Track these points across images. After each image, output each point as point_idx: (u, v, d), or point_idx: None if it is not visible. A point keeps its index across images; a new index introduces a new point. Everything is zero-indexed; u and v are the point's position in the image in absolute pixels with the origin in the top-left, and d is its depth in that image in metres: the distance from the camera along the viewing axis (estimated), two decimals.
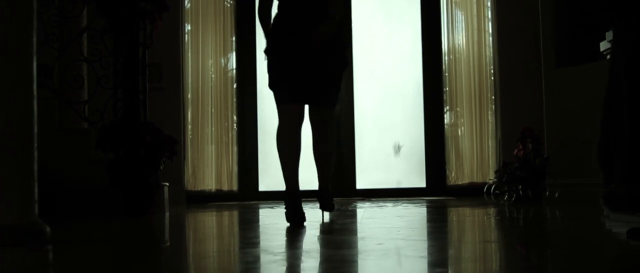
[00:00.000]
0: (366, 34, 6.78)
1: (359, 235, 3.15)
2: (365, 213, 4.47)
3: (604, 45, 4.71)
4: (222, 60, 6.69)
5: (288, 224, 3.62)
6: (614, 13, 2.74)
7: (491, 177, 5.97)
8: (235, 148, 6.63)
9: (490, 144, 6.50)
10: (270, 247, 2.79)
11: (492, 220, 3.98)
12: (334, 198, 4.22)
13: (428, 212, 4.72)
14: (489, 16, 6.55)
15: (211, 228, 4.07)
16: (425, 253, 2.49)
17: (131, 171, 4.57)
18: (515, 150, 5.61)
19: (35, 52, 2.86)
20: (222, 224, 4.38)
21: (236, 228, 3.98)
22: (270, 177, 6.53)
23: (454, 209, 4.84)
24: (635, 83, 2.57)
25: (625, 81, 2.59)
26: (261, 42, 6.56)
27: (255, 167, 6.69)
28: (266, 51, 3.87)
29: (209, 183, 6.56)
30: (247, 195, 6.57)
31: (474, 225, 3.71)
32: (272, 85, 3.84)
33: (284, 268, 2.17)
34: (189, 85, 6.57)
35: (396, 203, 5.46)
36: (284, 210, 3.71)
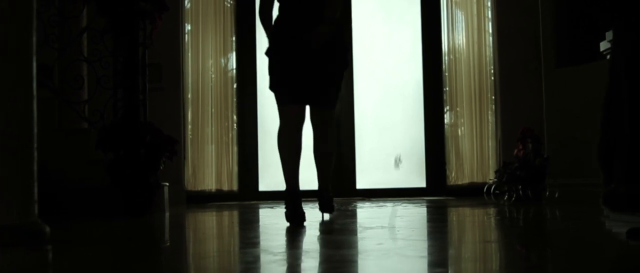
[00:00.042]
0: (366, 34, 6.78)
1: (359, 235, 3.15)
2: (365, 213, 4.47)
3: (604, 45, 4.71)
4: (222, 60, 6.69)
5: (288, 224, 3.63)
6: (614, 13, 2.74)
7: (491, 177, 5.97)
8: (235, 148, 6.63)
9: (490, 144, 6.50)
10: (270, 247, 2.79)
11: (492, 220, 3.98)
12: (334, 199, 4.22)
13: (428, 212, 4.72)
14: (489, 16, 6.55)
15: (211, 228, 4.07)
16: (425, 253, 2.49)
17: (131, 171, 4.57)
18: (515, 150, 5.61)
19: (35, 52, 2.86)
20: (222, 224, 4.38)
21: (236, 228, 3.98)
22: (270, 177, 6.53)
23: (454, 209, 4.84)
24: (635, 83, 2.57)
25: (625, 81, 2.59)
26: (261, 42, 6.57)
27: (255, 167, 6.69)
28: (267, 53, 3.88)
29: (209, 183, 6.56)
30: (247, 195, 6.57)
31: (474, 225, 3.71)
32: (273, 87, 3.85)
33: (284, 268, 2.17)
34: (189, 85, 6.57)
35: (396, 203, 5.46)
36: (284, 210, 3.72)
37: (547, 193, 5.41)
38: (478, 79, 6.55)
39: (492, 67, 6.55)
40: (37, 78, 2.85)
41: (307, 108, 3.95)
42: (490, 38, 6.55)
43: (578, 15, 5.61)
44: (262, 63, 6.41)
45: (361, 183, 6.66)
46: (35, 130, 2.82)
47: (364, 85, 6.74)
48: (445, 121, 6.62)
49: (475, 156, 6.51)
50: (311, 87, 3.80)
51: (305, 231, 3.36)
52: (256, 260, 2.35)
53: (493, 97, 6.54)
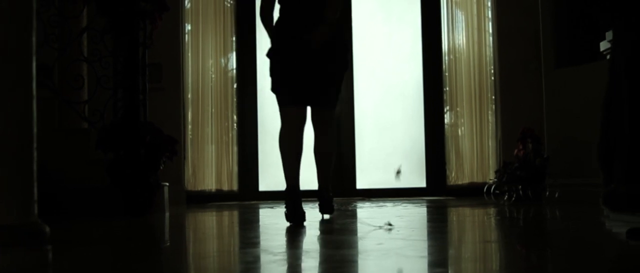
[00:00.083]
0: (366, 34, 6.78)
1: (359, 235, 3.15)
2: (366, 213, 4.47)
3: (604, 45, 4.71)
4: (222, 60, 6.69)
5: (288, 224, 3.63)
6: (614, 13, 2.74)
7: (491, 177, 5.97)
8: (235, 148, 6.63)
9: (491, 144, 6.50)
10: (270, 247, 2.79)
11: (492, 220, 3.98)
12: (334, 199, 4.23)
13: (428, 212, 4.72)
14: (489, 16, 6.55)
15: (211, 228, 4.07)
16: (425, 253, 2.49)
17: (131, 171, 4.57)
18: (516, 150, 5.61)
19: (35, 52, 2.86)
20: (222, 224, 4.38)
21: (236, 228, 3.98)
22: (270, 177, 6.53)
23: (454, 209, 4.84)
24: (635, 83, 2.57)
25: (625, 81, 2.59)
26: (261, 41, 6.57)
27: (256, 167, 6.69)
28: (268, 54, 3.90)
29: (209, 183, 6.56)
30: (247, 195, 6.57)
31: (474, 225, 3.71)
32: (274, 88, 3.88)
33: (284, 268, 2.17)
34: (189, 85, 6.57)
35: (396, 203, 5.46)
36: (284, 210, 3.73)
37: (547, 193, 5.41)
38: (478, 79, 6.55)
39: (492, 67, 6.55)
40: (37, 78, 2.85)
41: (309, 109, 3.97)
42: (491, 38, 6.55)
43: (578, 15, 5.61)
44: (262, 63, 6.42)
45: (361, 183, 6.66)
46: (35, 130, 2.82)
47: (364, 85, 6.74)
48: (445, 121, 6.62)
49: (475, 156, 6.51)
50: (311, 88, 3.81)
51: (305, 231, 3.36)
52: (256, 260, 2.35)
53: (493, 97, 6.54)
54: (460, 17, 6.60)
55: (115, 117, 4.79)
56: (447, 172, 6.55)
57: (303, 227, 3.54)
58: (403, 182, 6.65)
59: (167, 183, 5.08)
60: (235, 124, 6.67)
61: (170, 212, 5.02)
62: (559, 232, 3.38)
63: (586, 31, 5.49)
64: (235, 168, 6.61)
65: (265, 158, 6.64)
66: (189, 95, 6.57)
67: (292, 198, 3.70)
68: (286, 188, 3.77)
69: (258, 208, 5.44)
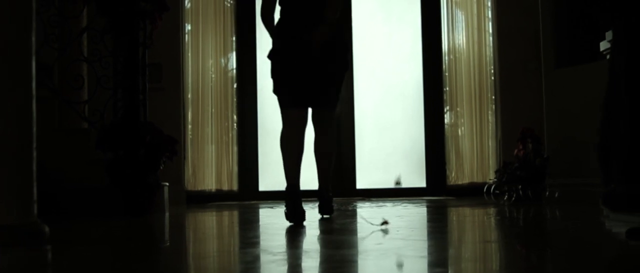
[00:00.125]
0: (366, 34, 6.78)
1: (359, 235, 3.15)
2: (365, 213, 4.47)
3: (604, 45, 4.71)
4: (222, 60, 6.69)
5: (288, 223, 3.63)
6: (614, 13, 2.74)
7: (491, 177, 5.97)
8: (235, 148, 6.63)
9: (490, 144, 6.50)
10: (270, 246, 2.79)
11: (492, 220, 3.98)
12: (334, 199, 4.24)
13: (428, 212, 4.72)
14: (489, 16, 6.55)
15: (211, 228, 4.07)
16: (425, 253, 2.49)
17: (131, 171, 4.57)
18: (515, 150, 5.61)
19: (35, 52, 2.86)
20: (222, 224, 4.38)
21: (236, 228, 3.98)
22: (270, 177, 6.53)
23: (454, 209, 4.84)
24: (634, 83, 2.57)
25: (624, 81, 2.59)
26: (261, 41, 6.57)
27: (255, 167, 6.69)
28: (269, 56, 3.91)
29: (209, 183, 6.56)
30: (247, 195, 6.57)
31: (474, 225, 3.71)
32: (276, 90, 3.89)
33: (284, 268, 2.17)
34: (189, 85, 6.57)
35: (396, 203, 5.46)
36: (284, 209, 3.73)
37: (547, 193, 5.41)
38: (478, 79, 6.55)
39: (492, 67, 6.55)
40: (37, 78, 2.85)
41: (309, 110, 3.98)
42: (490, 38, 6.55)
43: (578, 15, 5.61)
44: (262, 63, 6.42)
45: (361, 183, 6.66)
46: (35, 129, 2.82)
47: (364, 85, 6.74)
48: (445, 121, 6.62)
49: (475, 156, 6.51)
50: (311, 89, 3.83)
51: (305, 231, 3.36)
52: (256, 260, 2.35)
53: (493, 97, 6.54)
54: (460, 17, 6.60)
55: (115, 117, 4.79)
56: (447, 172, 6.55)
57: (303, 226, 3.54)
58: (403, 182, 6.64)
59: (167, 183, 5.08)
60: (235, 124, 6.67)
61: (170, 212, 5.02)
62: (558, 232, 3.38)
63: (586, 31, 5.49)
64: (235, 168, 6.61)
65: (265, 158, 6.64)
66: (189, 95, 6.57)
67: (292, 198, 3.71)
68: (286, 188, 3.78)
69: (258, 208, 5.44)
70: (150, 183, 4.67)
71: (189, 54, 6.59)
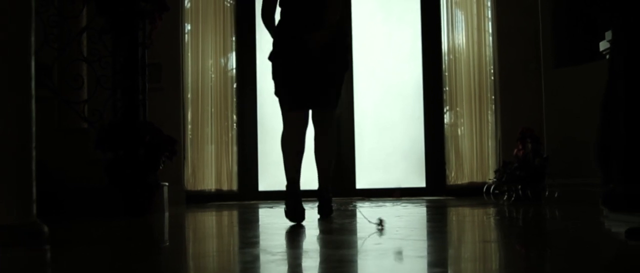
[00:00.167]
0: (366, 34, 6.78)
1: (358, 234, 3.16)
2: (365, 213, 4.47)
3: (603, 45, 4.71)
4: (222, 60, 6.69)
5: (288, 223, 3.63)
6: (613, 13, 2.74)
7: (491, 177, 5.97)
8: (235, 148, 6.63)
9: (490, 144, 6.50)
10: (270, 246, 2.79)
11: (492, 220, 3.98)
12: (333, 199, 4.24)
13: (427, 212, 4.73)
14: (489, 16, 6.55)
15: (211, 228, 4.07)
16: (424, 253, 2.49)
17: (131, 171, 4.57)
18: (515, 150, 5.61)
19: (34, 51, 2.86)
20: (221, 224, 4.38)
21: (236, 228, 3.98)
22: (270, 176, 6.53)
23: (453, 209, 4.85)
24: (632, 83, 2.58)
25: (623, 81, 2.59)
26: (261, 41, 6.57)
27: (255, 167, 6.69)
28: (270, 58, 3.93)
29: (209, 183, 6.56)
30: (246, 195, 6.57)
31: (473, 225, 3.71)
32: (277, 92, 3.91)
33: (283, 268, 2.17)
34: (189, 85, 6.57)
35: (395, 203, 5.46)
36: (284, 207, 3.73)
37: (547, 193, 5.41)
38: (478, 79, 6.55)
39: (491, 67, 6.55)
40: (36, 78, 2.85)
41: (310, 111, 4.00)
42: (490, 38, 6.55)
43: (577, 15, 5.60)
44: (262, 63, 6.42)
45: (361, 183, 6.66)
46: (34, 129, 2.82)
47: (363, 85, 6.74)
48: (445, 121, 6.62)
49: (474, 156, 6.51)
50: (312, 90, 3.85)
51: (304, 231, 3.37)
52: (255, 259, 2.35)
53: (493, 97, 6.54)
54: (460, 17, 6.60)
55: (114, 117, 4.79)
56: (447, 172, 6.55)
57: (302, 226, 3.54)
58: (403, 182, 6.65)
59: (167, 183, 5.08)
60: (234, 124, 6.67)
61: (169, 212, 5.02)
62: (558, 231, 3.39)
63: (585, 31, 5.49)
64: (235, 168, 6.61)
65: (265, 158, 6.65)
66: (189, 95, 6.57)
67: (292, 196, 3.72)
68: (286, 185, 3.80)
69: (257, 208, 5.44)
70: (150, 183, 4.67)
71: (189, 54, 6.59)
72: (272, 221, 4.07)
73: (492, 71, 6.55)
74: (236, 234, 3.61)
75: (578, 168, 5.23)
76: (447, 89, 6.60)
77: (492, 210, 4.58)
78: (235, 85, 6.69)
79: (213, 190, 6.55)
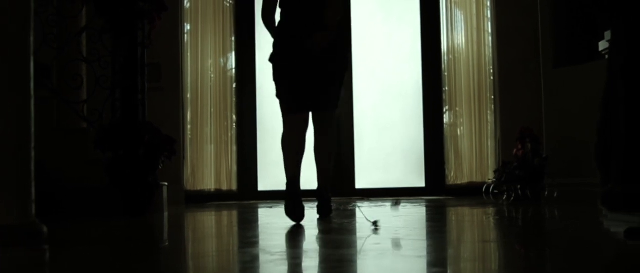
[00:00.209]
0: (366, 33, 6.78)
1: (358, 234, 3.16)
2: (364, 213, 4.46)
3: (602, 45, 4.71)
4: (222, 60, 6.69)
5: (287, 223, 3.63)
6: (613, 12, 2.74)
7: (490, 177, 5.97)
8: (234, 148, 6.63)
9: (490, 144, 6.51)
10: (269, 246, 2.79)
11: (491, 219, 3.98)
12: (333, 199, 4.25)
13: (427, 212, 4.73)
14: (489, 16, 6.56)
15: (210, 228, 4.07)
16: (423, 253, 2.49)
17: (130, 171, 4.57)
18: (514, 150, 5.62)
19: (33, 51, 2.86)
20: (221, 224, 4.38)
21: (235, 228, 3.98)
22: (270, 176, 6.53)
23: (453, 209, 4.85)
24: (631, 83, 2.58)
25: (622, 81, 2.59)
26: (260, 41, 6.57)
27: (255, 167, 6.69)
28: (271, 59, 3.93)
29: (208, 183, 6.56)
30: (246, 195, 6.57)
31: (472, 225, 3.71)
32: (278, 95, 3.93)
33: (282, 267, 2.17)
34: (188, 85, 6.57)
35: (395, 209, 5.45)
36: (284, 205, 3.74)
37: (546, 193, 5.41)
38: (477, 79, 6.55)
39: (491, 66, 6.55)
40: (35, 78, 2.85)
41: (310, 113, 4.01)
42: (490, 38, 6.55)
43: (577, 14, 5.61)
44: (262, 62, 6.42)
45: (360, 183, 6.66)
46: (33, 129, 2.82)
47: (363, 85, 6.74)
48: (445, 121, 6.62)
49: (474, 156, 6.51)
50: (312, 90, 3.85)
51: (304, 230, 3.37)
52: (255, 259, 2.35)
53: (492, 97, 6.54)
54: (459, 16, 6.60)
55: (114, 117, 4.79)
56: (446, 171, 6.55)
57: (302, 226, 3.54)
58: (402, 181, 6.65)
59: (166, 183, 5.08)
60: (234, 124, 6.67)
61: (169, 211, 5.02)
62: (557, 231, 3.39)
63: (585, 31, 5.49)
64: (235, 168, 6.61)
65: (265, 158, 6.64)
66: (188, 95, 6.57)
67: (292, 195, 3.73)
68: (286, 183, 3.81)
69: (257, 208, 5.44)
70: (150, 183, 4.67)
71: (188, 54, 6.59)
72: (272, 221, 4.07)
73: (491, 71, 6.55)
74: (236, 234, 3.61)
75: (577, 168, 5.23)
76: (446, 88, 6.60)
77: (491, 210, 4.58)
78: (234, 85, 6.69)
79: (212, 190, 6.55)
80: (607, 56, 3.93)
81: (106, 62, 4.84)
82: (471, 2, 6.57)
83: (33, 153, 2.81)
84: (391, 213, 4.37)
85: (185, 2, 6.58)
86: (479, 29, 6.57)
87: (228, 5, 6.70)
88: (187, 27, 6.61)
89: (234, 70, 6.69)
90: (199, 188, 6.53)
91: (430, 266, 2.17)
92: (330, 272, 2.07)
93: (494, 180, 5.66)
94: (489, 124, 6.53)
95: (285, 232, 3.32)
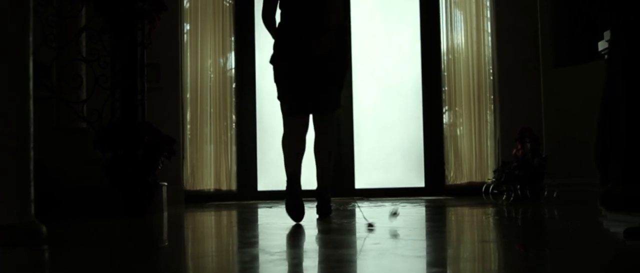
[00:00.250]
0: (366, 33, 6.78)
1: (357, 234, 3.16)
2: (364, 213, 4.46)
3: (602, 45, 4.71)
4: (221, 60, 6.69)
5: (287, 223, 3.63)
6: (613, 12, 2.74)
7: (490, 177, 5.97)
8: (234, 148, 6.63)
9: (489, 144, 6.51)
10: (269, 246, 2.79)
11: (491, 219, 3.98)
12: (332, 199, 4.25)
13: (426, 212, 4.73)
14: (488, 16, 6.56)
15: (210, 228, 4.07)
16: (423, 253, 2.49)
17: (131, 171, 4.57)
18: (514, 150, 5.62)
19: (33, 51, 2.86)
20: (220, 224, 4.38)
21: (235, 228, 3.98)
22: (269, 176, 6.53)
23: (452, 209, 4.85)
24: (631, 83, 2.58)
25: (622, 81, 2.59)
26: (260, 41, 6.57)
27: (254, 167, 6.69)
28: (271, 61, 3.94)
29: (208, 183, 6.56)
30: (245, 195, 6.57)
31: (472, 225, 3.71)
32: (279, 97, 3.94)
33: (282, 267, 2.17)
34: (188, 85, 6.57)
35: (394, 203, 5.46)
36: (285, 203, 3.74)
37: (546, 193, 5.41)
38: (477, 79, 6.55)
39: (490, 66, 6.55)
40: (35, 77, 2.85)
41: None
42: (489, 38, 6.56)
43: (576, 14, 5.61)
44: (261, 62, 6.42)
45: (360, 183, 6.66)
46: (32, 129, 2.82)
47: (363, 85, 6.74)
48: (444, 121, 6.62)
49: (473, 156, 6.51)
50: (313, 91, 3.86)
51: (303, 230, 3.36)
52: (254, 259, 2.35)
53: (492, 97, 6.54)
54: (459, 16, 6.60)
55: (113, 117, 4.79)
56: (446, 171, 6.55)
57: (301, 226, 3.54)
58: (401, 181, 6.65)
59: (166, 183, 5.08)
60: (234, 124, 6.67)
61: (168, 211, 5.02)
62: (557, 231, 3.39)
63: (585, 31, 5.49)
64: (234, 168, 6.61)
65: (264, 158, 6.64)
66: (188, 95, 6.57)
67: (292, 192, 3.74)
68: (287, 180, 3.82)
69: (257, 207, 5.44)
70: (149, 183, 4.67)
71: (188, 54, 6.59)
72: (271, 221, 4.07)
73: (491, 71, 6.55)
74: (235, 234, 3.61)
75: (577, 168, 5.23)
76: (446, 88, 6.61)
77: (491, 210, 4.58)
78: (234, 85, 6.69)
79: (212, 190, 6.55)
80: (606, 56, 3.94)
81: (106, 62, 4.84)
82: (471, 2, 6.57)
83: (32, 153, 2.81)
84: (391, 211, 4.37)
85: (185, 2, 6.58)
86: (479, 28, 6.57)
87: (227, 5, 6.70)
88: (187, 27, 6.61)
89: (233, 70, 6.70)
90: (198, 188, 6.53)
91: (429, 266, 2.17)
92: (329, 272, 2.07)
93: (494, 180, 5.66)
94: (489, 124, 6.53)
95: (284, 232, 3.32)
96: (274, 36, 3.99)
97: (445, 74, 6.61)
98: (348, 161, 6.65)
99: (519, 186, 5.40)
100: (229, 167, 6.59)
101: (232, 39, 6.70)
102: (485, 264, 2.32)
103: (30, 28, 2.83)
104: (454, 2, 6.59)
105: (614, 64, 2.66)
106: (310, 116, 4.01)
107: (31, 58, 2.83)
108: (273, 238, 3.12)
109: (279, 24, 3.98)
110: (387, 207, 5.04)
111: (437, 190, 6.55)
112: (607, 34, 4.47)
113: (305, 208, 3.79)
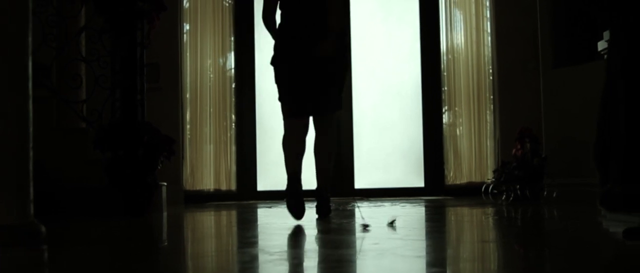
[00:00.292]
0: (365, 33, 6.78)
1: (357, 234, 3.16)
2: (364, 213, 4.47)
3: (601, 45, 4.71)
4: (221, 60, 6.69)
5: (286, 223, 3.63)
6: (612, 12, 2.74)
7: (489, 177, 5.97)
8: (233, 148, 6.63)
9: (489, 144, 6.51)
10: (268, 246, 2.79)
11: (490, 219, 3.98)
12: (332, 199, 4.25)
13: (426, 212, 4.73)
14: (488, 16, 6.56)
15: (209, 227, 4.07)
16: (423, 253, 2.49)
17: (131, 171, 4.57)
18: (513, 150, 5.62)
19: (33, 51, 2.86)
20: (220, 224, 4.38)
21: (234, 228, 3.98)
22: (269, 176, 6.53)
23: (452, 209, 4.85)
24: (631, 83, 2.58)
25: (621, 81, 2.59)
26: (260, 41, 6.57)
27: (254, 167, 6.69)
28: (272, 62, 3.94)
29: (208, 183, 6.56)
30: (245, 195, 6.57)
31: (472, 225, 3.71)
32: (280, 99, 3.95)
33: (281, 267, 2.17)
34: (188, 85, 6.57)
35: (394, 203, 5.46)
36: (286, 201, 3.75)
37: (545, 193, 5.42)
38: (476, 79, 6.55)
39: (490, 66, 6.55)
40: (35, 77, 2.85)
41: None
42: (489, 38, 6.56)
43: (576, 14, 5.61)
44: (261, 62, 6.43)
45: (360, 183, 6.66)
46: (32, 129, 2.82)
47: (362, 85, 6.74)
48: (444, 121, 6.62)
49: (473, 156, 6.51)
50: (313, 93, 3.87)
51: (303, 230, 3.37)
52: (254, 259, 2.35)
53: (491, 97, 6.54)
54: (458, 16, 6.61)
55: (113, 117, 4.78)
56: (446, 171, 6.55)
57: (301, 226, 3.54)
58: (401, 181, 6.65)
59: (165, 183, 5.07)
60: (233, 124, 6.67)
61: (168, 211, 5.02)
62: (556, 231, 3.39)
63: (584, 31, 5.49)
64: (234, 168, 6.61)
65: (264, 158, 6.64)
66: (187, 95, 6.57)
67: (293, 191, 3.75)
68: (287, 178, 3.82)
69: (256, 207, 5.44)
70: (149, 183, 4.66)
71: (187, 54, 6.59)
72: (271, 221, 4.07)
73: (490, 71, 6.55)
74: (235, 234, 3.61)
75: (576, 168, 5.23)
76: (445, 88, 6.61)
77: (490, 210, 4.58)
78: (233, 85, 6.69)
79: (211, 190, 6.55)
80: (606, 56, 3.94)
81: (105, 62, 4.84)
82: (470, 2, 6.57)
83: (32, 153, 2.81)
84: (390, 214, 4.37)
85: (185, 2, 6.58)
86: (478, 28, 6.57)
87: (227, 5, 6.70)
88: (186, 27, 6.61)
89: (233, 70, 6.69)
90: (198, 188, 6.53)
91: (429, 266, 2.17)
92: (329, 271, 2.07)
93: (493, 180, 5.66)
94: (488, 124, 6.53)
95: (284, 232, 3.32)
96: (274, 37, 4.00)
97: (445, 74, 6.61)
98: (348, 161, 6.65)
99: (518, 186, 5.40)
100: (228, 167, 6.59)
101: (232, 39, 6.70)
102: (485, 264, 2.32)
103: (30, 28, 2.84)
104: (454, 2, 6.60)
105: (614, 64, 2.66)
106: (311, 117, 4.02)
107: (31, 58, 2.83)
108: (273, 238, 3.12)
109: (279, 24, 3.98)
110: (386, 207, 5.04)
111: (437, 190, 6.55)
112: (606, 34, 4.46)
113: (307, 207, 3.79)
